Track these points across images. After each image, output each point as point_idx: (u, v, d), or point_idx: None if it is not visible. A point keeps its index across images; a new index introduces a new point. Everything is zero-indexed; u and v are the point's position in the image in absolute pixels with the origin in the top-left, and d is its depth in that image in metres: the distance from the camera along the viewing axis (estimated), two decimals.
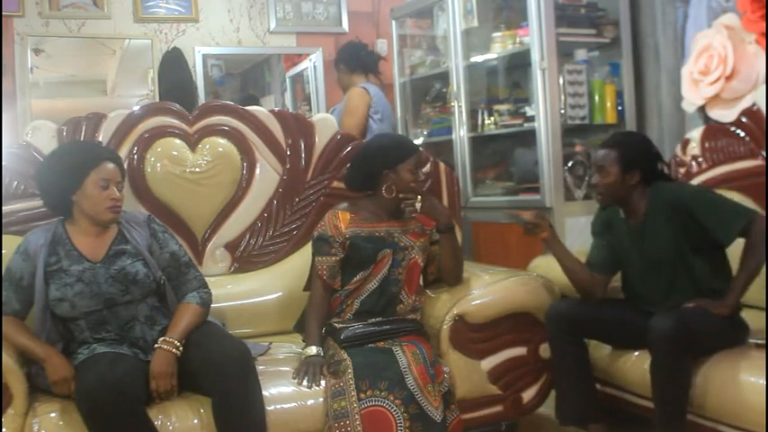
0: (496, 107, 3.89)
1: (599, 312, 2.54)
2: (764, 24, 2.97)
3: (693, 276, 2.40)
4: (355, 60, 4.10)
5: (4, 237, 2.43)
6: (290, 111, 4.44)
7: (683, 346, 2.19)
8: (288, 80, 5.24)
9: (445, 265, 2.56)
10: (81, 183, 2.19)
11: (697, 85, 3.28)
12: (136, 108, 2.85)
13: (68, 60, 4.51)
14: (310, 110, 5.03)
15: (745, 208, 2.37)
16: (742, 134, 2.94)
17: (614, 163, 2.45)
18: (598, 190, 2.52)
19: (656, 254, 2.44)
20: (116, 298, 2.18)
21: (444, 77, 4.20)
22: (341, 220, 2.48)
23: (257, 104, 4.16)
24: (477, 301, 2.48)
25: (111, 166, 2.23)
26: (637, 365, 2.42)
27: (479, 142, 4.05)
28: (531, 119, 3.59)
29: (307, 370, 2.25)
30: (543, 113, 3.47)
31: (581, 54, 3.65)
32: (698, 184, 2.95)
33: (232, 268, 2.82)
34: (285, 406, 2.17)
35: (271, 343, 2.56)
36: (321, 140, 2.92)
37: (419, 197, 2.45)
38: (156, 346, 2.13)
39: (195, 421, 2.08)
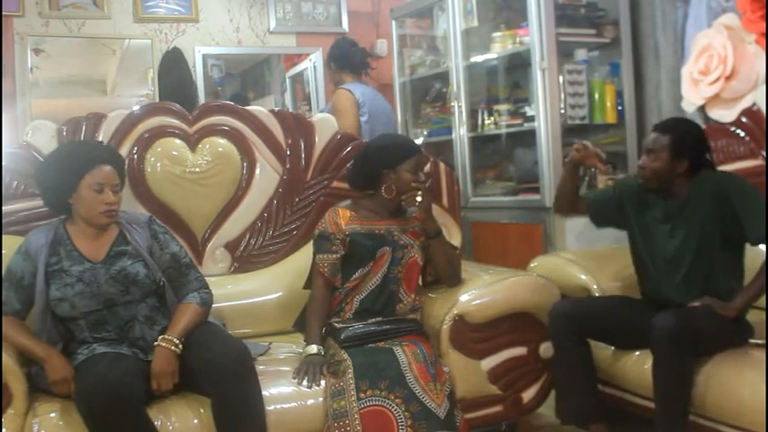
0: (496, 107, 3.89)
1: (603, 311, 2.53)
2: (764, 24, 2.97)
3: (712, 270, 2.39)
4: (343, 58, 4.00)
5: (4, 237, 2.43)
6: (290, 111, 4.44)
7: (685, 346, 2.18)
8: (288, 80, 5.25)
9: (440, 268, 2.57)
10: (76, 186, 2.19)
11: (697, 85, 3.28)
12: (136, 108, 2.85)
13: (68, 60, 4.52)
14: (310, 110, 5.03)
15: None
16: (742, 134, 2.94)
17: (665, 148, 2.41)
18: (644, 173, 2.48)
19: (687, 237, 2.41)
20: (116, 298, 2.18)
21: (444, 77, 4.19)
22: (341, 217, 2.48)
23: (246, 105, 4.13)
24: (477, 301, 2.48)
25: (107, 168, 2.22)
26: (638, 365, 2.42)
27: (479, 142, 4.05)
28: (531, 119, 3.59)
29: (307, 370, 2.25)
30: (543, 113, 3.47)
31: (581, 54, 3.65)
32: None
33: (232, 268, 2.82)
34: (285, 406, 2.17)
35: (271, 343, 2.56)
36: (321, 140, 2.92)
37: (420, 191, 2.45)
38: (155, 344, 2.13)
39: (195, 421, 2.07)
